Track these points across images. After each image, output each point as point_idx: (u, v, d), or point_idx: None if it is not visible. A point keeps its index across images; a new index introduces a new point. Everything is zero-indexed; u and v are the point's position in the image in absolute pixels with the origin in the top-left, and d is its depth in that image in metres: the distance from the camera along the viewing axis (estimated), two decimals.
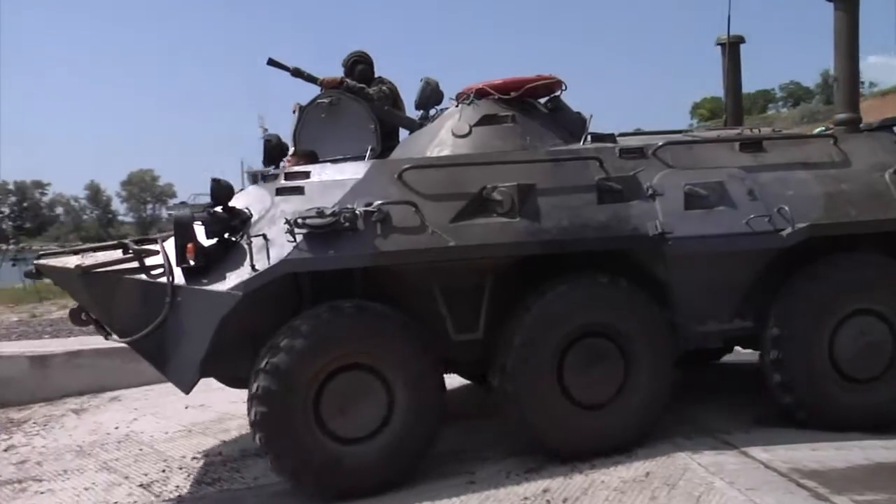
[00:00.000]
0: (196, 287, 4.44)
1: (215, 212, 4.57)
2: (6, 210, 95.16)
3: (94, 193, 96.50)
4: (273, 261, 4.41)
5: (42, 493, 5.25)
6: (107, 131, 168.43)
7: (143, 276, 4.52)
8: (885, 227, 4.95)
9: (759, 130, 5.57)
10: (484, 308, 4.74)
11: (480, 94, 5.42)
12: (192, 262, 4.45)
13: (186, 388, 4.60)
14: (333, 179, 4.79)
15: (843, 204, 4.94)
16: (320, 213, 4.49)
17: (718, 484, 4.15)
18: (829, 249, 5.02)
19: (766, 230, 4.80)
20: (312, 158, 5.38)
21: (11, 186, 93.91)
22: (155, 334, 4.46)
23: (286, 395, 4.38)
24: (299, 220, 4.46)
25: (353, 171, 4.84)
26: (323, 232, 4.47)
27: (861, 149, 5.23)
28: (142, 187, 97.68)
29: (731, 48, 6.55)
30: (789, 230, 4.79)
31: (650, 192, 4.84)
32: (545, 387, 4.63)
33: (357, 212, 4.53)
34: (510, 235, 4.62)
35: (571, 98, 5.65)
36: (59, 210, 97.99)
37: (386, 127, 5.97)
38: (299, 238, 4.46)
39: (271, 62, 5.77)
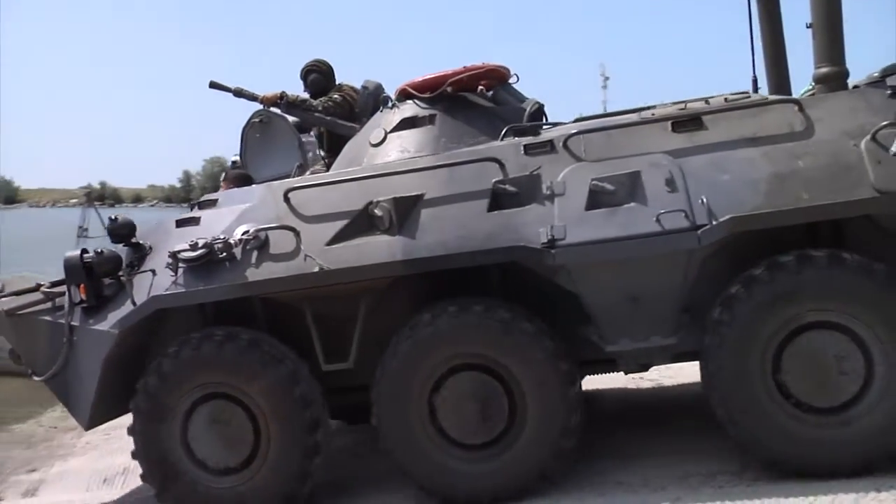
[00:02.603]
0: (85, 326, 4.54)
1: (102, 252, 4.64)
2: None
3: None
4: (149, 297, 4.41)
5: None
6: None
7: (48, 317, 4.70)
8: (841, 213, 3.87)
9: (708, 102, 4.52)
10: (356, 336, 4.34)
11: (402, 95, 5.01)
12: (85, 302, 4.57)
13: (86, 426, 4.72)
14: (229, 207, 4.67)
15: (795, 186, 3.92)
16: (193, 246, 4.39)
17: None
18: (807, 242, 4.04)
19: (680, 228, 3.94)
20: (245, 182, 5.28)
21: None
22: (61, 374, 4.63)
23: (157, 415, 4.39)
24: (175, 254, 4.40)
25: (250, 196, 4.68)
26: (199, 264, 4.38)
27: (836, 112, 4.10)
28: None
29: None
30: (707, 226, 3.90)
31: (549, 192, 4.18)
32: (415, 422, 4.20)
33: (231, 241, 4.38)
34: (377, 256, 4.22)
35: None
36: None
37: (343, 140, 5.71)
38: (180, 272, 4.41)
39: (213, 85, 5.74)
